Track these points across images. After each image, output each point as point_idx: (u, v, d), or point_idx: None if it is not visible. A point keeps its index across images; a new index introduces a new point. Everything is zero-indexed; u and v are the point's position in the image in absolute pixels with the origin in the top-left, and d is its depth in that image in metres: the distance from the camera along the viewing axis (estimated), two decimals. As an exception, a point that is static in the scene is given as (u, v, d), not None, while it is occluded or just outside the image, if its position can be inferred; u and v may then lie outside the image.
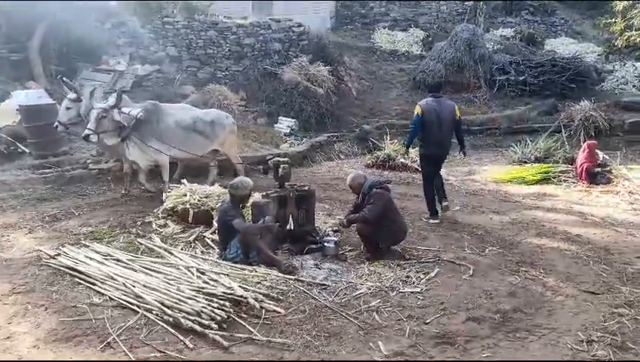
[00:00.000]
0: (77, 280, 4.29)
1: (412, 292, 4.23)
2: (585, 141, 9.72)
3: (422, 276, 4.56)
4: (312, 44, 13.41)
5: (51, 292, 4.10)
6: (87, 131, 6.28)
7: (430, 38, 16.30)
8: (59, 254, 4.77)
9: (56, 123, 7.02)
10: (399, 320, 3.78)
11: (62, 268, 4.49)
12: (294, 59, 12.82)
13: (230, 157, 7.77)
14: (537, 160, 9.65)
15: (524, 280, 4.51)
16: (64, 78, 7.43)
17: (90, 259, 4.63)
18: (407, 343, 3.46)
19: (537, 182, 8.44)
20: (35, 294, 4.05)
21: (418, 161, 8.90)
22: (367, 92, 13.78)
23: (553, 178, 8.52)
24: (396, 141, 10.29)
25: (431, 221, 6.23)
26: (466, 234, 5.79)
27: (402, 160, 9.59)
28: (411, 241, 5.47)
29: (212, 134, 7.30)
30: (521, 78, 13.45)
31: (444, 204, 6.36)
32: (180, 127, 6.98)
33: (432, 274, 4.57)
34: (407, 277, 4.54)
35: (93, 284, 4.18)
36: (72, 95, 7.02)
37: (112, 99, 6.64)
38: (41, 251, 4.88)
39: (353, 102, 13.09)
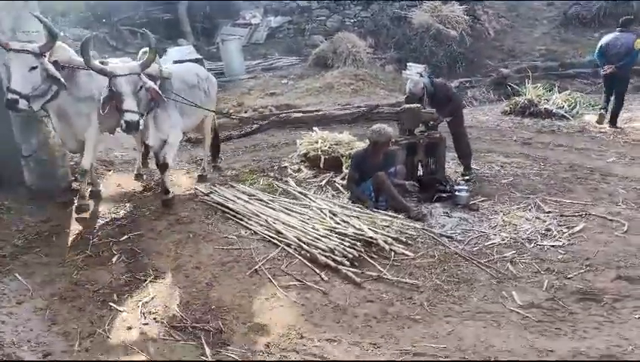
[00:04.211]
0: (227, 215, 4.84)
1: (552, 246, 3.97)
2: None
3: (565, 230, 4.23)
4: (446, -18, 12.52)
5: (207, 224, 4.69)
6: (132, 116, 4.12)
7: (588, -37, 14.02)
8: (211, 192, 5.40)
9: (13, 96, 3.89)
10: (536, 272, 3.60)
11: (214, 205, 5.09)
12: (426, 0, 12.15)
13: (207, 124, 5.93)
14: None
15: (694, 240, 3.92)
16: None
17: (237, 197, 5.17)
18: (545, 296, 3.30)
19: None
20: (194, 225, 4.69)
21: (565, 106, 8.29)
22: (507, 32, 12.56)
23: None
24: (539, 85, 9.30)
25: (600, 127, 7.62)
26: (622, 188, 5.14)
27: (546, 106, 8.67)
28: (553, 193, 5.06)
29: (210, 92, 5.66)
30: None
31: (603, 112, 7.66)
32: (190, 87, 5.22)
33: (577, 229, 4.21)
34: (548, 230, 4.26)
35: (241, 220, 4.68)
36: (31, 45, 3.99)
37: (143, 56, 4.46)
38: (197, 189, 5.58)
39: (490, 43, 12.07)
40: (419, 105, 5.57)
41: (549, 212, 4.61)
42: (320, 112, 8.82)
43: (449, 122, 5.72)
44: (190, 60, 9.30)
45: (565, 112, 8.45)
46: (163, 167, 4.91)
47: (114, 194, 5.49)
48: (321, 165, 6.11)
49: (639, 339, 2.82)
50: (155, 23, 12.98)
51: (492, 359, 2.74)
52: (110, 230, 4.55)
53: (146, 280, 3.63)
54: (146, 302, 3.35)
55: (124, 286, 3.59)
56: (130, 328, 3.10)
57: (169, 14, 13.41)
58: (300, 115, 8.77)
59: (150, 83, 4.39)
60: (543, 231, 4.22)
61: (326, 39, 12.15)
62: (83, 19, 13.26)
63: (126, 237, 4.37)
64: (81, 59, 4.18)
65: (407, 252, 3.94)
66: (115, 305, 3.32)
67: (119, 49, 11.48)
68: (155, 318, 3.18)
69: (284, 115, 8.74)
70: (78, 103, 4.45)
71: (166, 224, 4.65)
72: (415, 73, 11.15)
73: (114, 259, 3.97)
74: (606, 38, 7.47)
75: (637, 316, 3.04)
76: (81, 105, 4.47)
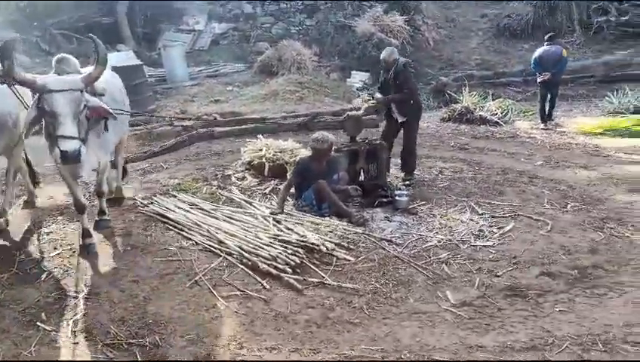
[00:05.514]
0: (167, 226, 4.71)
1: (484, 246, 4.18)
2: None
3: (495, 230, 4.47)
4: (387, -8, 12.94)
5: (146, 236, 4.55)
6: (71, 144, 3.33)
7: (518, -22, 14.94)
8: (151, 203, 5.25)
9: None
10: (469, 272, 3.78)
11: (154, 215, 4.95)
12: (368, 10, 12.48)
13: (124, 140, 5.45)
14: (638, 111, 8.74)
15: (608, 237, 4.26)
16: None
17: (178, 207, 5.06)
18: (476, 294, 3.47)
19: (635, 134, 7.68)
20: (132, 237, 4.53)
21: (498, 113, 8.99)
22: (445, 42, 13.12)
23: (656, 131, 7.72)
24: (475, 93, 9.79)
25: (541, 126, 8.61)
26: (547, 190, 5.50)
27: (481, 113, 9.14)
28: (486, 196, 5.33)
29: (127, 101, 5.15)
30: (623, 19, 12.02)
31: (548, 119, 8.71)
32: (117, 102, 4.53)
33: (507, 229, 4.46)
34: (480, 231, 4.47)
35: (181, 230, 4.58)
36: None
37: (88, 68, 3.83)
38: (136, 200, 5.40)
39: (430, 53, 12.56)
40: (360, 113, 5.72)
41: (482, 214, 4.85)
42: (258, 124, 8.72)
43: (404, 123, 5.84)
44: (129, 66, 9.03)
45: (499, 119, 8.95)
46: (99, 194, 4.60)
47: (45, 206, 5.22)
48: (266, 173, 6.11)
49: (559, 331, 3.03)
50: (93, 27, 12.46)
51: (427, 358, 2.84)
52: (39, 245, 4.31)
53: (77, 297, 3.47)
54: (77, 320, 3.20)
55: (53, 304, 3.41)
56: (58, 348, 2.95)
57: (108, 18, 12.92)
58: (227, 129, 8.53)
59: (95, 100, 3.66)
60: (476, 232, 4.44)
61: (271, 46, 12.17)
62: (12, 22, 12.52)
63: (57, 252, 4.16)
64: None
65: (348, 257, 4.00)
66: (43, 325, 3.14)
67: (52, 54, 10.90)
68: (86, 336, 3.04)
69: (207, 130, 8.48)
70: None
71: (101, 237, 4.47)
72: (359, 81, 11.41)
73: (43, 276, 3.77)
74: (539, 51, 8.59)
75: (557, 309, 3.26)
76: None
